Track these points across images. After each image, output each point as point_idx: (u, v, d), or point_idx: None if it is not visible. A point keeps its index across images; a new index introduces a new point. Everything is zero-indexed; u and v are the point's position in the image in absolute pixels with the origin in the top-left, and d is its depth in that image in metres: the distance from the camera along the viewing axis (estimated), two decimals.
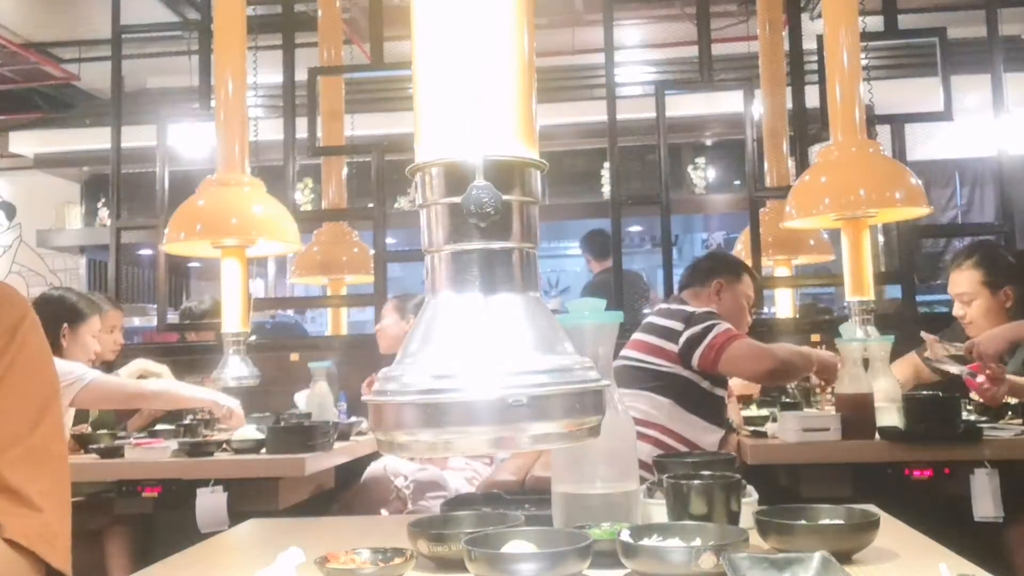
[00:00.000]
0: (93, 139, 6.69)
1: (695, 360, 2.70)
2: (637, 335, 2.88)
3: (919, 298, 4.40)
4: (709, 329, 2.70)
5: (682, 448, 2.67)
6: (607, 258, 5.41)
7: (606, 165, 6.49)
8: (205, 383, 3.43)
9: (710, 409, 2.78)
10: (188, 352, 4.35)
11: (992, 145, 4.33)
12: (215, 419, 3.16)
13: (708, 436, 2.76)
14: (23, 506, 0.93)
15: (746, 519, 1.48)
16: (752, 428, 2.86)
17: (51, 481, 0.97)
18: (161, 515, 2.77)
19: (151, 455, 2.81)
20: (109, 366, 3.61)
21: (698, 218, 8.78)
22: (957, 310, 3.10)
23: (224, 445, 2.86)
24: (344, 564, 1.33)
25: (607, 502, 1.47)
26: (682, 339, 2.73)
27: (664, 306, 2.94)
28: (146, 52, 6.55)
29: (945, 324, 3.34)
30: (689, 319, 2.75)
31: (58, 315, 3.17)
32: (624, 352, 2.85)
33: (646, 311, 4.46)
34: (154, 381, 3.11)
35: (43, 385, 0.99)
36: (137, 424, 3.55)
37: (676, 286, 3.29)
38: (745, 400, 3.48)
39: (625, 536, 1.29)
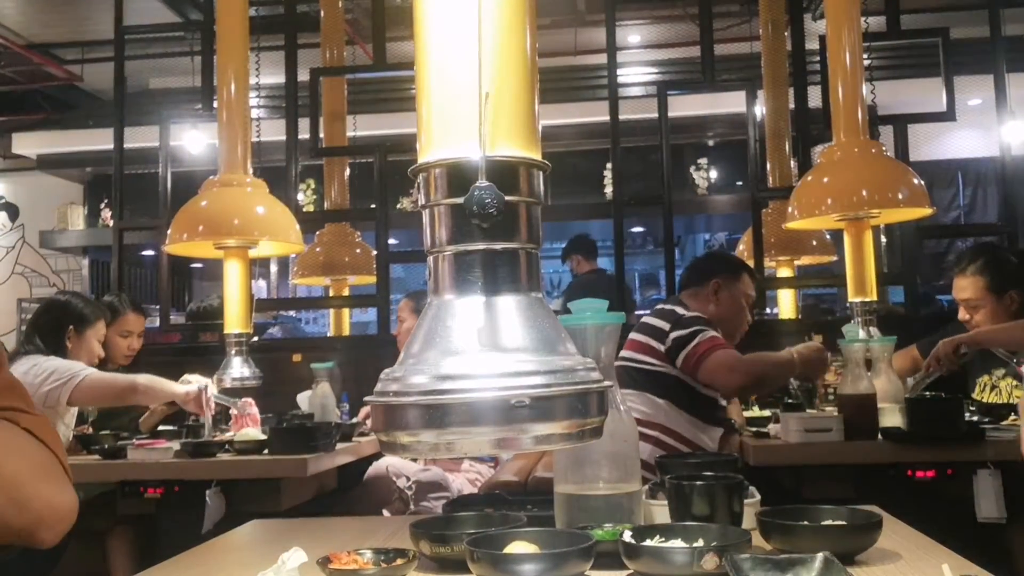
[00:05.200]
0: (96, 140, 6.68)
1: (679, 362, 2.74)
2: (632, 335, 2.90)
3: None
4: (695, 334, 2.73)
5: (683, 448, 2.67)
6: (595, 259, 6.18)
7: (609, 166, 6.48)
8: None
9: (704, 408, 2.79)
10: (191, 353, 4.35)
11: (995, 145, 4.33)
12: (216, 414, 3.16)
13: (707, 434, 2.77)
14: (23, 409, 0.93)
15: (748, 520, 1.48)
16: (754, 429, 2.86)
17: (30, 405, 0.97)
18: (164, 516, 2.76)
19: (154, 456, 2.81)
20: (124, 371, 3.60)
21: (700, 218, 8.76)
22: (962, 315, 3.08)
23: (227, 446, 2.87)
24: (346, 565, 1.33)
25: (609, 503, 1.47)
26: (669, 339, 2.77)
27: (659, 306, 2.96)
28: (149, 53, 6.55)
29: (942, 324, 3.33)
30: (677, 320, 2.78)
31: (63, 319, 3.20)
32: (621, 353, 2.85)
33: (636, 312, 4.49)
34: (143, 376, 3.09)
35: None
36: (150, 423, 3.55)
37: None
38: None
39: (627, 537, 1.29)
